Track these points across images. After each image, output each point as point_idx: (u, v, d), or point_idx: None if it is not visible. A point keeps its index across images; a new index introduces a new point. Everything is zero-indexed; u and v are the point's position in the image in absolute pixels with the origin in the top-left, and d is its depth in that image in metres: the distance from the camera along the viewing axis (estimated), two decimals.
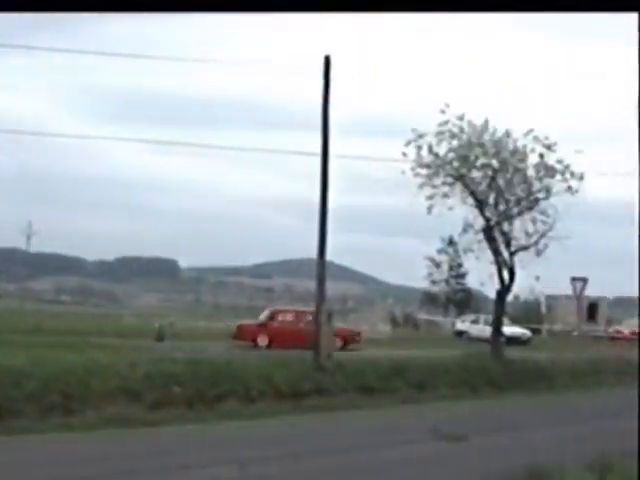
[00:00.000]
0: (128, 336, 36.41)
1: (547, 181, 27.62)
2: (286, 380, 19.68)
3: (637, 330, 64.06)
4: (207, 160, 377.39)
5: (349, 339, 38.93)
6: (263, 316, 40.85)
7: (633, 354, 33.14)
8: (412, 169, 27.13)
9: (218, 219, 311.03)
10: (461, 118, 27.19)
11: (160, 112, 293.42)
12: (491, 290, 30.75)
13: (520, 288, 57.21)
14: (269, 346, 37.47)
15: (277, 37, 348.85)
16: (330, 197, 23.31)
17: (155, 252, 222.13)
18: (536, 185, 27.76)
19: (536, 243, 27.95)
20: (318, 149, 23.66)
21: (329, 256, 23.54)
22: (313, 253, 23.53)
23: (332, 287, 27.01)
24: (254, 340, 38.27)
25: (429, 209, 27.14)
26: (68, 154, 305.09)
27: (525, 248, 28.05)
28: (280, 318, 40.22)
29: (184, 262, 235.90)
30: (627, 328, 66.08)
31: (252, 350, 34.34)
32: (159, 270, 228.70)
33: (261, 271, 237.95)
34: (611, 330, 65.52)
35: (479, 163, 27.44)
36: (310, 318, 30.41)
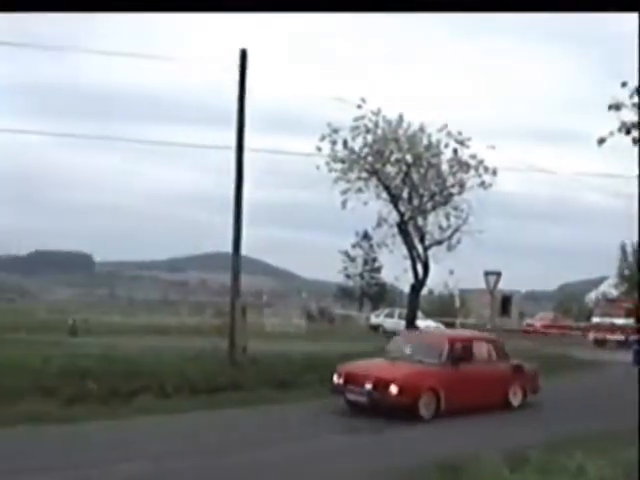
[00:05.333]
0: (41, 331, 35.73)
1: (460, 176, 27.89)
2: (200, 375, 19.68)
3: (549, 324, 65.36)
4: (119, 154, 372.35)
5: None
6: None
7: (545, 347, 33.75)
8: (327, 164, 27.26)
9: (132, 214, 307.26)
10: (377, 113, 27.33)
11: (70, 106, 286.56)
12: (405, 284, 31.04)
13: (434, 282, 57.85)
14: None
15: (194, 34, 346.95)
16: (245, 191, 23.09)
17: (68, 246, 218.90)
18: (450, 180, 28.04)
19: (450, 237, 28.28)
20: (233, 143, 23.38)
21: (244, 250, 23.28)
22: (228, 247, 23.33)
23: (247, 281, 26.74)
24: None
25: (343, 203, 27.33)
26: None
27: (439, 242, 28.38)
28: None
29: (99, 256, 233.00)
30: (539, 322, 67.24)
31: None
32: (73, 264, 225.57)
33: (176, 265, 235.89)
34: (524, 324, 66.58)
35: (393, 158, 27.64)
36: None
